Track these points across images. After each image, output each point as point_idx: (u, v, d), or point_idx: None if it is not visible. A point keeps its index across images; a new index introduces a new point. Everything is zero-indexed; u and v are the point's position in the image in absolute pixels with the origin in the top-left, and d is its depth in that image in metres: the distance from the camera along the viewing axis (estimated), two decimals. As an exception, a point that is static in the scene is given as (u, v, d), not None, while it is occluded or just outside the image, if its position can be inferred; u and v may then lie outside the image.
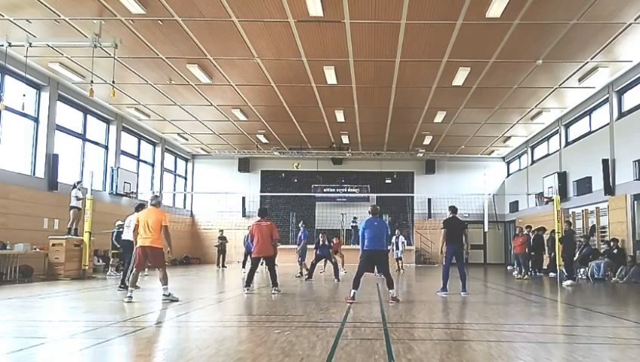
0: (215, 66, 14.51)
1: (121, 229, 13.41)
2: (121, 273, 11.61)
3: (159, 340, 5.69)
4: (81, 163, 18.07)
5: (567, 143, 19.86)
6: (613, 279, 14.65)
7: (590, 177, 17.30)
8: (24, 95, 13.50)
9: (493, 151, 26.21)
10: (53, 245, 13.93)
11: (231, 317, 7.38)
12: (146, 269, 9.03)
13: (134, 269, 8.88)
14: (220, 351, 4.70)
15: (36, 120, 15.60)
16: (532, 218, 21.70)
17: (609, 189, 15.98)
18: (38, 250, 13.88)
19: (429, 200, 27.11)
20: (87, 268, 14.44)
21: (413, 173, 27.84)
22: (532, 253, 16.97)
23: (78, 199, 14.69)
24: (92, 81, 11.82)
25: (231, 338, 5.66)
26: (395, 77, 15.15)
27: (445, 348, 5.02)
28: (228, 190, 25.77)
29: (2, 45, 11.50)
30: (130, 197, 19.65)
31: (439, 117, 19.44)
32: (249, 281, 10.37)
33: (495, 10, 10.76)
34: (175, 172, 26.62)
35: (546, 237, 17.76)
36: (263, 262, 11.65)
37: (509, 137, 23.21)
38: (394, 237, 18.41)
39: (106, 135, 19.83)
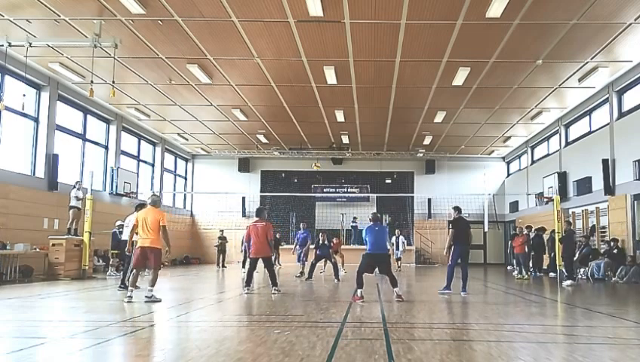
0: (215, 66, 14.51)
1: (120, 229, 13.42)
2: (121, 273, 11.61)
3: (159, 340, 5.69)
4: (81, 163, 18.07)
5: (567, 143, 19.86)
6: (613, 279, 14.65)
7: (590, 177, 17.30)
8: (24, 95, 13.50)
9: (493, 151, 26.21)
10: (53, 245, 13.93)
11: (231, 317, 7.38)
12: (146, 269, 8.99)
13: (134, 269, 8.88)
14: (219, 351, 4.70)
15: (36, 120, 15.60)
16: (532, 218, 21.69)
17: (609, 189, 15.98)
18: (38, 250, 13.87)
19: (429, 200, 27.11)
20: (87, 268, 14.43)
21: (413, 173, 27.85)
22: (532, 253, 16.98)
23: (78, 199, 14.69)
24: (92, 81, 11.82)
25: (231, 338, 5.66)
26: (395, 77, 15.15)
27: (445, 348, 5.02)
28: (228, 190, 25.77)
29: (2, 45, 11.50)
30: (130, 197, 19.65)
31: (439, 117, 19.44)
32: (249, 281, 10.37)
33: (495, 10, 10.76)
34: (175, 172, 26.62)
35: (546, 237, 17.76)
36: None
37: (509, 137, 23.21)
38: (394, 237, 18.40)
39: (106, 135, 19.83)
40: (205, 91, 16.90)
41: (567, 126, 19.91)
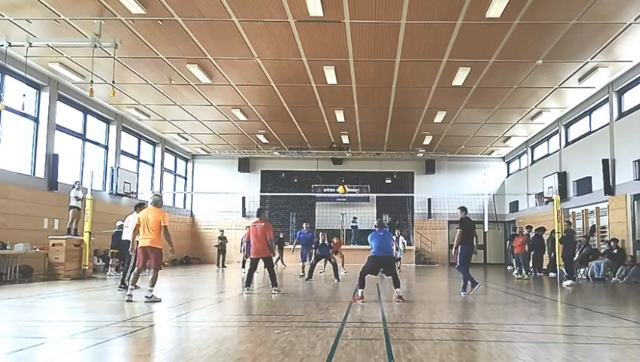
0: (215, 66, 14.51)
1: (120, 229, 13.42)
2: (121, 273, 11.61)
3: (159, 340, 5.69)
4: (81, 163, 18.07)
5: (567, 143, 19.86)
6: (613, 279, 14.66)
7: (590, 177, 17.30)
8: (24, 95, 13.50)
9: (493, 151, 26.21)
10: (53, 245, 13.92)
11: (231, 317, 7.38)
12: (147, 269, 8.99)
13: (135, 269, 8.88)
14: (219, 351, 4.70)
15: (36, 120, 15.60)
16: (532, 218, 21.69)
17: (609, 189, 15.99)
18: (38, 250, 13.87)
19: (429, 200, 27.12)
20: (87, 268, 14.43)
21: (413, 173, 27.85)
22: (532, 253, 16.97)
23: (77, 199, 14.69)
24: (92, 81, 11.81)
25: (231, 338, 5.66)
26: (395, 77, 15.15)
27: (445, 348, 5.02)
28: (228, 190, 25.77)
29: (2, 45, 11.50)
30: (130, 197, 19.65)
31: (439, 117, 19.44)
32: (249, 281, 10.37)
33: (495, 10, 10.76)
34: (175, 172, 26.63)
35: (545, 237, 17.76)
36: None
37: (509, 137, 23.21)
38: (393, 237, 18.36)
39: (106, 135, 19.83)
40: (205, 91, 16.90)
41: (567, 126, 19.91)
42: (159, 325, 6.60)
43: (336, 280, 13.69)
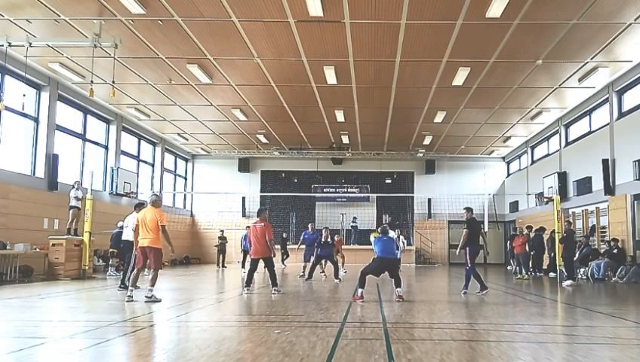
0: (215, 66, 14.51)
1: (121, 229, 13.40)
2: (121, 273, 11.61)
3: (159, 340, 5.69)
4: (81, 163, 18.07)
5: (567, 143, 19.87)
6: (613, 279, 14.66)
7: (590, 177, 17.30)
8: (24, 95, 13.52)
9: (493, 151, 26.21)
10: (53, 245, 13.92)
11: (231, 317, 7.38)
12: (147, 269, 8.99)
13: (135, 269, 8.89)
14: (219, 351, 4.70)
15: (36, 120, 15.60)
16: (532, 218, 21.70)
17: (609, 189, 15.99)
18: (38, 250, 13.87)
19: (429, 200, 27.12)
20: (87, 268, 14.43)
21: (413, 173, 27.85)
22: (532, 253, 16.97)
23: (77, 199, 14.69)
24: (92, 81, 11.82)
25: (231, 338, 5.66)
26: (395, 77, 15.15)
27: (445, 348, 5.02)
28: (228, 190, 25.77)
29: (2, 45, 11.50)
30: (130, 197, 19.66)
31: (439, 117, 19.44)
32: (249, 282, 10.37)
33: (495, 10, 10.76)
34: (175, 172, 26.63)
35: (545, 237, 17.76)
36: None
37: (509, 137, 23.21)
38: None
39: (106, 135, 19.83)
40: (205, 91, 16.90)
41: (567, 126, 19.91)
42: (159, 325, 6.60)
43: (336, 280, 13.67)
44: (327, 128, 21.79)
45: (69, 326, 6.31)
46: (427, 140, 23.61)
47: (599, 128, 17.26)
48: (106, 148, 19.82)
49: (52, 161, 15.79)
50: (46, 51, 13.54)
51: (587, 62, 14.08)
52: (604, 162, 16.18)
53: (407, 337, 5.52)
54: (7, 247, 12.85)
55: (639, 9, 10.92)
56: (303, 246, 15.40)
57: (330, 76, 14.95)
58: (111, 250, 15.00)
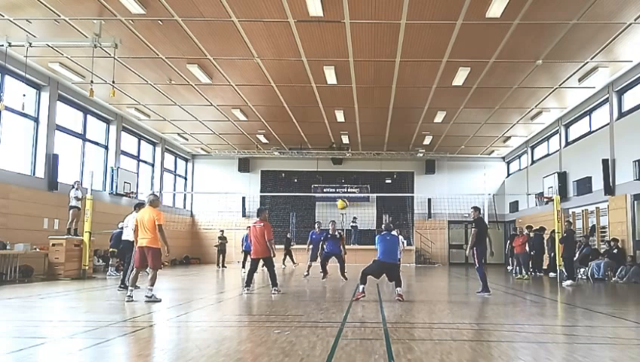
0: (215, 66, 14.51)
1: (121, 230, 13.40)
2: (121, 273, 11.61)
3: (159, 340, 5.69)
4: (81, 163, 18.07)
5: (567, 143, 19.87)
6: (613, 279, 14.66)
7: (590, 177, 17.30)
8: (24, 95, 13.52)
9: (493, 151, 26.21)
10: (53, 245, 13.92)
11: (231, 317, 7.37)
12: (147, 270, 8.98)
13: (134, 269, 8.90)
14: (219, 351, 4.70)
15: (36, 120, 15.60)
16: (532, 218, 21.70)
17: (609, 189, 15.99)
18: (38, 250, 13.87)
19: (429, 200, 27.12)
20: (87, 268, 14.43)
21: (413, 173, 27.85)
22: (532, 253, 16.98)
23: (77, 199, 14.69)
24: (92, 81, 11.82)
25: (231, 338, 5.66)
26: (395, 77, 15.15)
27: (445, 348, 5.02)
28: (228, 190, 25.78)
29: (2, 45, 11.50)
30: (130, 197, 19.66)
31: (439, 117, 19.44)
32: (249, 281, 10.36)
33: (495, 10, 10.76)
34: (175, 172, 26.62)
35: (545, 237, 17.76)
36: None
37: (509, 137, 23.21)
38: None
39: (106, 135, 19.83)
40: (205, 91, 16.90)
41: (567, 126, 19.91)
42: (159, 325, 6.60)
43: (342, 279, 13.51)
44: (327, 128, 21.79)
45: (69, 326, 6.31)
46: (427, 140, 23.61)
47: (599, 128, 17.26)
48: (106, 148, 19.81)
49: (52, 161, 15.79)
50: (46, 51, 13.54)
51: (587, 62, 14.08)
52: (604, 162, 16.18)
53: (407, 337, 5.52)
54: (7, 247, 12.85)
55: (639, 9, 10.92)
56: (312, 246, 15.24)
57: (330, 76, 14.95)
58: (111, 249, 14.99)
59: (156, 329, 6.31)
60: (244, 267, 16.91)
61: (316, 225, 15.92)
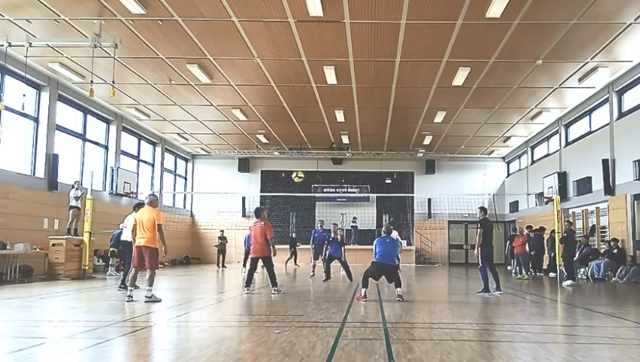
0: (215, 66, 14.51)
1: (121, 230, 13.40)
2: (121, 273, 11.61)
3: (159, 340, 5.69)
4: (81, 163, 18.07)
5: (567, 143, 19.86)
6: (613, 279, 14.65)
7: (590, 177, 17.30)
8: (24, 95, 13.51)
9: (493, 151, 26.21)
10: (53, 245, 13.92)
11: (231, 317, 7.37)
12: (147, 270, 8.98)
13: (133, 269, 8.90)
14: (219, 351, 4.70)
15: (36, 120, 15.60)
16: (532, 218, 21.69)
17: (609, 189, 15.99)
18: (38, 250, 13.87)
19: (429, 200, 27.12)
20: (87, 268, 14.43)
21: (413, 173, 27.85)
22: (532, 253, 16.98)
23: (77, 199, 14.69)
24: (92, 81, 11.82)
25: (231, 338, 5.66)
26: (395, 77, 15.15)
27: (445, 348, 5.02)
28: (228, 190, 25.79)
29: (2, 45, 11.50)
30: (130, 197, 19.66)
31: (439, 117, 19.44)
32: (249, 281, 10.36)
33: (495, 10, 10.76)
34: (175, 172, 26.62)
35: (545, 237, 17.75)
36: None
37: (509, 137, 23.21)
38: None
39: (106, 135, 19.83)
40: (205, 91, 16.90)
41: (567, 126, 19.91)
42: (159, 325, 6.60)
43: (348, 280, 13.40)
44: (327, 128, 21.79)
45: (69, 326, 6.31)
46: (427, 140, 23.61)
47: (599, 128, 17.26)
48: (106, 148, 19.81)
49: (52, 161, 15.79)
50: (46, 51, 13.54)
51: (587, 62, 14.08)
52: (604, 162, 16.17)
53: (407, 337, 5.52)
54: (7, 247, 12.85)
55: (639, 9, 10.92)
56: (314, 245, 15.19)
57: (330, 76, 14.95)
58: (111, 249, 14.98)
59: (156, 329, 6.31)
60: (244, 266, 16.87)
61: (318, 224, 15.89)
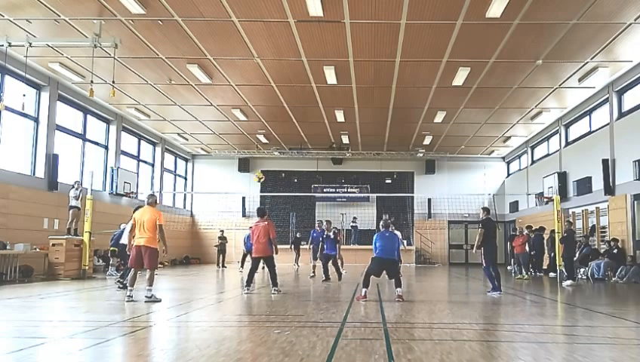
0: (215, 66, 14.51)
1: (122, 230, 13.39)
2: (122, 273, 11.60)
3: (159, 340, 5.69)
4: (81, 163, 18.06)
5: (567, 143, 19.86)
6: (613, 279, 14.65)
7: (590, 177, 17.30)
8: (24, 95, 13.51)
9: (493, 151, 26.21)
10: (53, 245, 13.92)
11: (231, 317, 7.37)
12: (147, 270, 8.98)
13: (132, 269, 8.89)
14: (219, 351, 4.70)
15: (36, 120, 15.60)
16: (532, 218, 21.69)
17: (609, 189, 15.99)
18: (38, 250, 13.87)
19: (429, 200, 27.12)
20: (87, 268, 14.43)
21: (413, 173, 27.85)
22: (532, 253, 16.98)
23: (77, 199, 14.69)
24: (92, 81, 11.82)
25: (231, 338, 5.66)
26: (395, 77, 15.15)
27: (445, 348, 5.02)
28: (228, 190, 25.78)
29: (2, 45, 11.50)
30: (130, 197, 19.66)
31: (439, 117, 19.44)
32: (249, 281, 10.35)
33: (495, 10, 10.76)
34: (175, 172, 26.62)
35: (545, 237, 17.75)
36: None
37: (509, 137, 23.21)
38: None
39: (106, 135, 19.83)
40: (205, 91, 16.90)
41: (567, 126, 19.91)
42: (159, 325, 6.60)
43: (338, 279, 13.56)
44: (327, 128, 21.79)
45: (69, 326, 6.31)
46: (427, 140, 23.61)
47: (599, 128, 17.26)
48: (106, 148, 19.81)
49: (52, 161, 15.79)
50: (46, 51, 13.54)
51: (587, 62, 14.08)
52: (604, 162, 16.17)
53: (407, 337, 5.52)
54: (7, 247, 12.85)
55: (639, 9, 10.92)
56: (312, 245, 15.25)
57: (330, 76, 14.95)
58: (111, 248, 14.98)
59: (156, 329, 6.31)
60: (242, 266, 16.86)
61: (317, 224, 15.96)
